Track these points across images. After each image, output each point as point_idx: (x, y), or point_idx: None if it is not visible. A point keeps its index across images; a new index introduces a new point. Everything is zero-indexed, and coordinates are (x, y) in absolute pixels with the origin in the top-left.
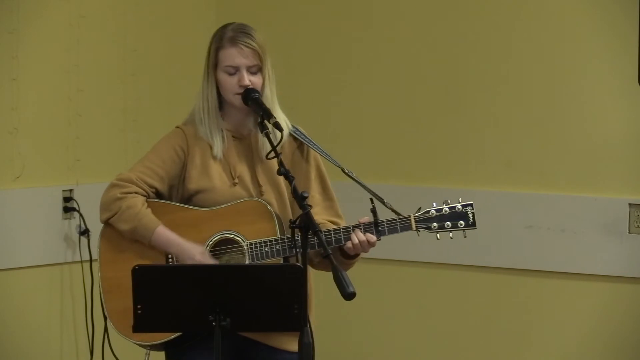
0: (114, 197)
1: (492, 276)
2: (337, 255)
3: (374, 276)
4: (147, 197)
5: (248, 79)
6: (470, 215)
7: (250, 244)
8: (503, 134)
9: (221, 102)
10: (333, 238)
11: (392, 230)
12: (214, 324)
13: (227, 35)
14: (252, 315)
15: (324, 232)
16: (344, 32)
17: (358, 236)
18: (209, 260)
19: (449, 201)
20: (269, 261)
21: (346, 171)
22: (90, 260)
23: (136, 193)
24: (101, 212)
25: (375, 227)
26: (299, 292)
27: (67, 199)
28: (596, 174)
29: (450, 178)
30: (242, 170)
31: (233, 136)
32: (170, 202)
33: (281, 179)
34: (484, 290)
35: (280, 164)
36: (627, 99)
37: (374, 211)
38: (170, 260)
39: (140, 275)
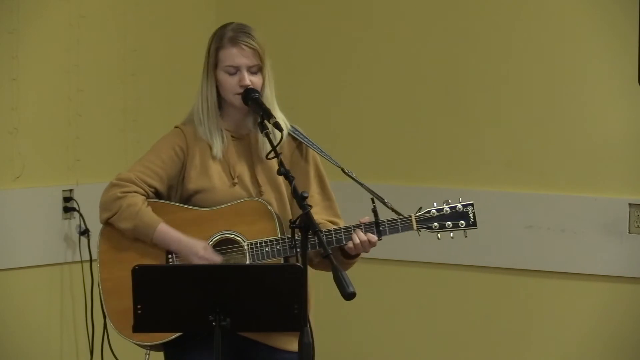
0: (114, 197)
1: (492, 276)
2: (338, 255)
3: (374, 276)
4: (147, 197)
5: (248, 79)
6: (471, 215)
7: (251, 244)
8: (503, 134)
9: (220, 102)
10: (334, 238)
11: (393, 230)
12: (214, 324)
13: (227, 35)
14: (252, 315)
15: (325, 232)
16: (344, 32)
17: (359, 236)
18: (212, 254)
19: (450, 201)
20: (269, 261)
21: (346, 171)
22: (90, 260)
23: (135, 192)
24: (101, 212)
25: (376, 227)
26: (299, 292)
27: (67, 199)
28: (596, 174)
29: (450, 178)
30: (242, 170)
31: (232, 136)
32: (170, 202)
33: (280, 179)
34: (484, 290)
35: (281, 164)
36: (627, 99)
37: (375, 211)
38: (170, 260)
39: (140, 275)
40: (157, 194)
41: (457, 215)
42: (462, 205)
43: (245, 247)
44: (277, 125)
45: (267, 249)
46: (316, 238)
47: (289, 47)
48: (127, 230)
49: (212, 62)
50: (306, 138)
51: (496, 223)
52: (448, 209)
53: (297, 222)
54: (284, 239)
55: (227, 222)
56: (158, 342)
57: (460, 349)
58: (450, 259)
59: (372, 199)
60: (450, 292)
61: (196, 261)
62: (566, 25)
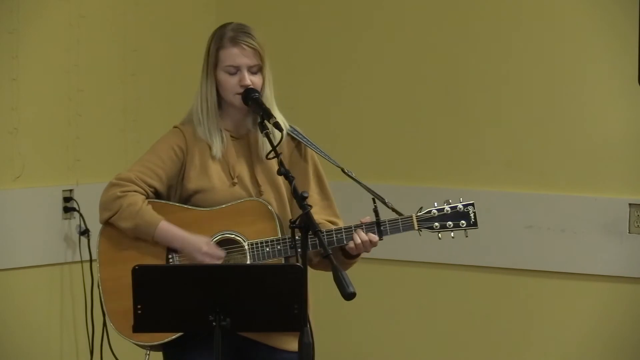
0: (114, 196)
1: (492, 276)
2: (338, 254)
3: (374, 276)
4: (147, 196)
5: (249, 79)
6: (472, 215)
7: (252, 244)
8: (503, 134)
9: (220, 102)
10: (335, 238)
11: (394, 230)
12: (214, 324)
13: (227, 35)
14: (252, 315)
15: (326, 232)
16: (344, 32)
17: (360, 236)
18: (216, 249)
19: (450, 201)
20: (270, 261)
21: (346, 171)
22: (90, 260)
23: (135, 192)
24: (101, 212)
25: (378, 226)
26: (299, 292)
27: (67, 199)
28: (596, 174)
29: (450, 178)
30: (241, 170)
31: (231, 136)
32: (170, 202)
33: (280, 179)
34: (484, 290)
35: (281, 164)
36: (627, 99)
37: (376, 211)
38: (171, 260)
39: (140, 275)
40: (157, 194)
41: (458, 215)
42: (462, 205)
43: (246, 247)
44: (277, 125)
45: (267, 249)
46: (317, 238)
47: (289, 47)
48: (127, 230)
49: (212, 62)
50: (305, 138)
51: (496, 223)
52: (449, 209)
53: (297, 222)
54: (285, 238)
55: (228, 222)
56: (158, 343)
57: (460, 349)
58: (450, 259)
59: (373, 199)
60: (450, 292)
61: (200, 257)
62: (566, 25)
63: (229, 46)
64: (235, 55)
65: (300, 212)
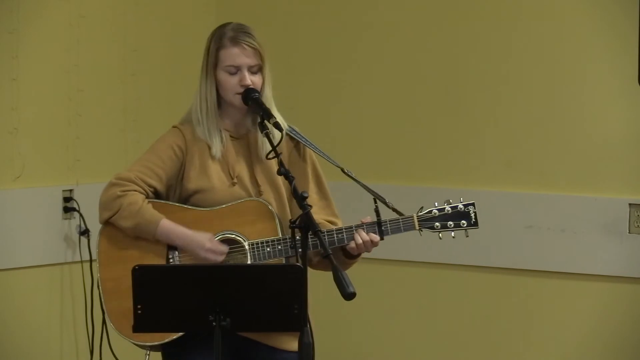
0: (115, 195)
1: (492, 276)
2: (339, 254)
3: (374, 276)
4: (147, 196)
5: (249, 79)
6: (473, 215)
7: (252, 244)
8: (503, 134)
9: (219, 101)
10: (336, 238)
11: (396, 230)
12: (214, 324)
13: (227, 35)
14: (252, 315)
15: (327, 232)
16: (344, 32)
17: (362, 236)
18: (219, 245)
19: (451, 201)
20: (271, 261)
21: (346, 171)
22: (90, 260)
23: (135, 191)
24: (101, 212)
25: (379, 226)
26: (299, 292)
27: (67, 199)
28: (596, 174)
29: (450, 178)
30: (241, 170)
31: (231, 136)
32: (170, 202)
33: (279, 179)
34: (484, 290)
35: (280, 164)
36: (627, 99)
37: (377, 211)
38: (171, 260)
39: (140, 275)
40: (156, 194)
41: (458, 215)
42: (463, 205)
43: (247, 247)
44: (277, 125)
45: (268, 249)
46: (317, 238)
47: (289, 47)
48: (128, 229)
49: (212, 62)
50: (304, 138)
51: (496, 223)
52: (449, 209)
53: (297, 222)
54: (286, 238)
55: (228, 222)
56: (158, 343)
57: (460, 349)
58: (450, 259)
59: (375, 199)
60: (450, 292)
61: (203, 254)
62: (566, 25)
63: (230, 46)
64: (235, 55)
65: (299, 212)
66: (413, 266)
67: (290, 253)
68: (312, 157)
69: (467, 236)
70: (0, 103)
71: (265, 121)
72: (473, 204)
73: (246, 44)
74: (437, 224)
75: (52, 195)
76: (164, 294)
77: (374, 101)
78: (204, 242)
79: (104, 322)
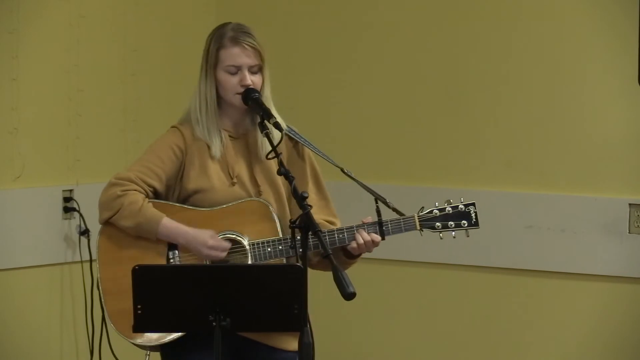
0: (115, 195)
1: (492, 276)
2: (339, 254)
3: (374, 276)
4: (147, 196)
5: (249, 79)
6: (473, 215)
7: (253, 244)
8: (503, 134)
9: (219, 101)
10: (337, 238)
11: (397, 230)
12: (214, 324)
13: (228, 35)
14: (252, 315)
15: (328, 232)
16: (344, 32)
17: (363, 236)
18: (221, 242)
19: (452, 201)
20: (271, 261)
21: (345, 171)
22: (90, 260)
23: (135, 191)
24: (101, 212)
25: (380, 227)
26: (299, 292)
27: (67, 199)
28: (596, 174)
29: (450, 178)
30: (240, 170)
31: (230, 136)
32: (170, 202)
33: (279, 179)
34: (484, 290)
35: (281, 164)
36: (627, 99)
37: (378, 211)
38: (171, 260)
39: (140, 275)
40: (156, 194)
41: (459, 215)
42: (464, 205)
43: (247, 247)
44: (277, 125)
45: (269, 249)
46: (317, 238)
47: (289, 47)
48: (129, 229)
49: (212, 62)
50: (303, 138)
51: (496, 223)
52: (450, 209)
53: (297, 222)
54: (286, 238)
55: (228, 222)
56: (158, 343)
57: (460, 349)
58: (450, 259)
59: (375, 199)
60: (450, 292)
61: (206, 252)
62: (566, 25)
63: (230, 46)
64: (236, 55)
65: (299, 212)
66: (413, 266)
67: (290, 253)
68: (311, 157)
69: (468, 236)
70: (0, 103)
71: (265, 121)
72: (474, 204)
73: (247, 44)
74: (438, 224)
75: (52, 195)
76: (164, 294)
77: (374, 101)
78: (206, 240)
79: (103, 322)
